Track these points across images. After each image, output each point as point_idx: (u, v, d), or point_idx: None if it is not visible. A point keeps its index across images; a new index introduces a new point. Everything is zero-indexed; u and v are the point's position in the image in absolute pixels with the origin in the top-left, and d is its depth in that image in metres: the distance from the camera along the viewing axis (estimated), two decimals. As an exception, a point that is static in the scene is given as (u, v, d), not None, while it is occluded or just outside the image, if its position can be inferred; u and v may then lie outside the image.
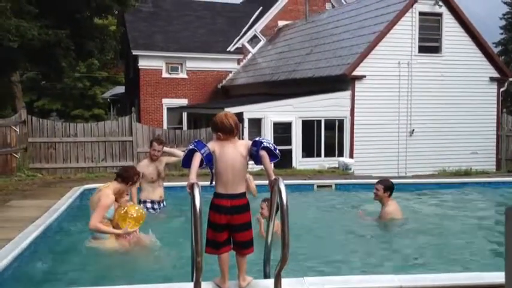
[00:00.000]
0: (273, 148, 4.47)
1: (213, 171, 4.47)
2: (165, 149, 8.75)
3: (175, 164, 10.11)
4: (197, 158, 4.35)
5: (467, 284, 4.80)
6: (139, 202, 8.30)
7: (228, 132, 4.47)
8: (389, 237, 7.86)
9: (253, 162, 4.59)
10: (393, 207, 8.19)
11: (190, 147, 4.43)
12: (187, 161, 4.43)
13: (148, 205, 8.42)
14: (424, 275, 5.15)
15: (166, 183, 9.06)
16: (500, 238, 6.06)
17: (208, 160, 4.42)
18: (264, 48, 28.24)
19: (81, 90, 42.66)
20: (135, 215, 6.34)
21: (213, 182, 4.50)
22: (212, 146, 4.45)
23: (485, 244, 7.34)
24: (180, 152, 9.20)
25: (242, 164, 4.47)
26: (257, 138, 4.52)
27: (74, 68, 34.30)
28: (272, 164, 4.48)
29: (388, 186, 8.15)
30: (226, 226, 4.40)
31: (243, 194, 4.51)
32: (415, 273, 5.47)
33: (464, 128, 19.25)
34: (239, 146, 4.49)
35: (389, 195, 8.18)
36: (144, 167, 8.48)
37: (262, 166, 4.46)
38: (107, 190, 6.43)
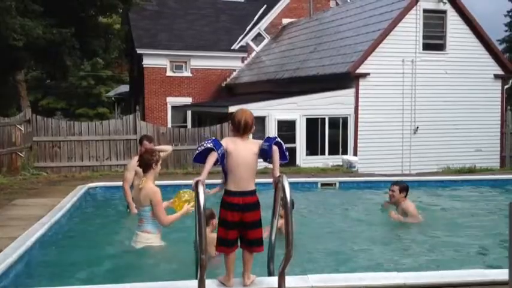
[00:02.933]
0: (284, 148, 4.57)
1: (225, 169, 4.50)
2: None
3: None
4: (213, 157, 4.37)
5: (471, 281, 4.80)
6: (133, 199, 8.30)
7: (235, 128, 4.55)
8: (396, 234, 7.86)
9: (261, 159, 4.62)
10: (411, 207, 8.19)
11: (209, 145, 4.41)
12: (200, 158, 4.44)
13: None
14: (428, 272, 5.15)
15: (170, 182, 9.06)
16: (504, 236, 6.06)
17: (223, 159, 4.46)
18: (268, 46, 28.22)
19: (86, 89, 42.70)
20: (187, 197, 6.51)
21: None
22: (226, 143, 4.50)
23: (488, 241, 7.33)
24: (167, 147, 9.22)
25: (253, 161, 4.52)
26: (270, 135, 4.61)
27: (78, 66, 34.48)
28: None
29: (403, 187, 8.16)
30: (238, 224, 4.42)
31: (254, 191, 4.54)
32: (419, 271, 5.47)
33: (468, 126, 19.20)
34: (250, 144, 4.56)
35: (405, 196, 8.20)
36: (136, 165, 8.47)
37: (267, 164, 4.50)
38: (151, 185, 6.29)
